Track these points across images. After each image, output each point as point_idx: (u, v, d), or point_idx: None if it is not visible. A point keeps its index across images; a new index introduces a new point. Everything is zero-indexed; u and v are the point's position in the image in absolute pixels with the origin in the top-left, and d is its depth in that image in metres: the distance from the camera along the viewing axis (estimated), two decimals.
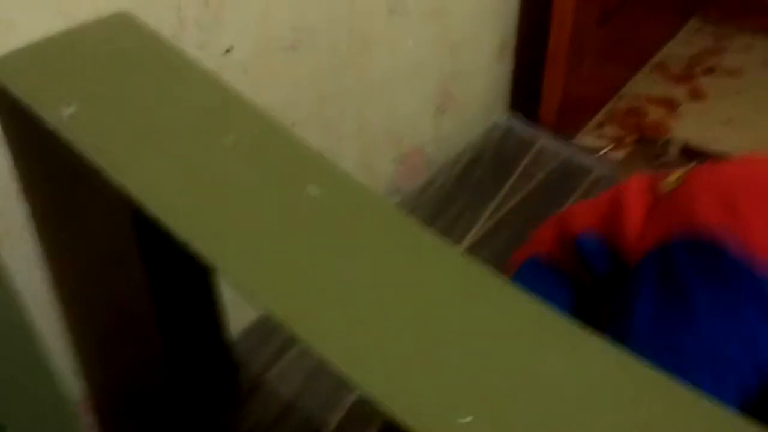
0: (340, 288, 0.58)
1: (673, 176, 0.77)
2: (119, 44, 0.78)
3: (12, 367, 0.81)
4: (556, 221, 0.91)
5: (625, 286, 0.72)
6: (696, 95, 1.90)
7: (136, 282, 0.90)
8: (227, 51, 0.96)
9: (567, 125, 1.67)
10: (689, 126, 1.78)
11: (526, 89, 1.65)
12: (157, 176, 0.64)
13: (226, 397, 1.08)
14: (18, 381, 0.83)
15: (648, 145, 1.71)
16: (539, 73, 1.59)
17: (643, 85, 1.94)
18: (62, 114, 0.66)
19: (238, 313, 1.07)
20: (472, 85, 1.54)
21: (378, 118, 1.32)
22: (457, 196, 1.44)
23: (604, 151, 1.70)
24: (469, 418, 0.49)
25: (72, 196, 0.81)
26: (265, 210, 0.64)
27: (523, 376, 0.51)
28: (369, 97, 1.27)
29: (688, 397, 0.49)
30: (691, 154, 1.67)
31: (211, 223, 0.62)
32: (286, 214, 0.64)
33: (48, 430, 0.85)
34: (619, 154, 1.71)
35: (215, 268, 0.59)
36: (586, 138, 1.75)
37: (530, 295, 0.57)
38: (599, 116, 1.83)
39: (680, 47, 2.09)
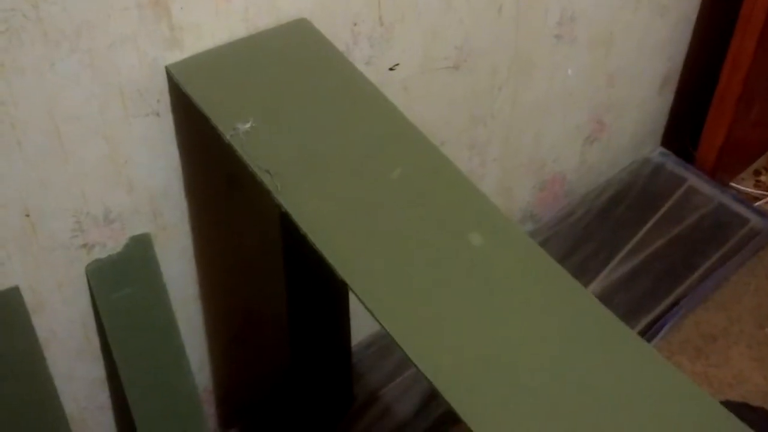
0: (475, 334, 0.57)
1: None
2: (296, 54, 0.79)
3: (152, 357, 0.84)
4: None
5: None
6: None
7: (275, 288, 0.91)
8: (392, 68, 0.95)
9: (724, 169, 1.56)
10: None
11: (683, 127, 1.55)
12: (318, 202, 0.64)
13: (343, 406, 1.08)
14: (154, 367, 0.86)
15: None
16: (701, 112, 1.49)
17: None
18: (238, 128, 0.67)
19: (359, 324, 1.07)
20: (626, 117, 1.46)
21: (524, 143, 1.28)
22: (595, 231, 1.38)
23: (761, 201, 1.57)
24: None
25: (230, 203, 0.83)
26: (421, 253, 0.62)
27: None
28: (519, 122, 1.23)
29: None
30: None
31: (359, 251, 0.61)
32: (443, 259, 0.62)
33: (175, 414, 0.88)
34: None
35: (356, 294, 0.58)
36: (743, 185, 1.63)
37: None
38: (758, 163, 1.70)
39: None
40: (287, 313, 0.91)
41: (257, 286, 0.97)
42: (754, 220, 1.42)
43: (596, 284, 1.28)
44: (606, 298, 1.26)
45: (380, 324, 0.56)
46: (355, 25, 0.87)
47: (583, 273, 1.30)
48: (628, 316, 1.22)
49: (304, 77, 0.76)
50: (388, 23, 0.90)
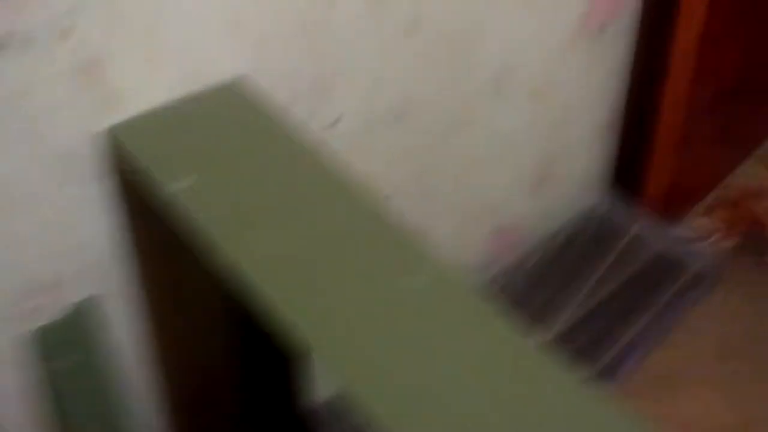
0: (419, 379, 0.56)
1: None
2: (235, 113, 0.80)
3: (98, 424, 0.82)
4: None
5: None
6: None
7: (222, 352, 0.90)
8: (334, 122, 0.97)
9: (671, 211, 1.60)
10: None
11: (628, 171, 1.60)
12: (258, 258, 0.64)
13: None
14: None
15: (754, 240, 1.61)
16: (643, 156, 1.54)
17: (753, 173, 1.85)
18: (178, 188, 0.67)
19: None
20: (572, 164, 1.50)
21: (473, 192, 1.30)
22: (549, 277, 1.40)
23: (708, 241, 1.61)
24: None
25: (175, 263, 0.83)
26: (364, 299, 0.63)
27: None
28: (466, 172, 1.26)
29: None
30: None
31: (305, 309, 0.61)
32: (384, 304, 0.63)
33: None
34: (723, 246, 1.62)
35: (305, 351, 0.58)
36: (690, 226, 1.67)
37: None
38: (704, 204, 1.75)
39: None
40: (237, 376, 0.90)
41: (211, 348, 0.96)
42: (698, 262, 1.45)
43: (551, 331, 1.29)
44: (561, 343, 1.26)
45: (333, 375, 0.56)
46: (293, 80, 0.89)
47: (540, 318, 1.31)
48: (583, 360, 1.23)
49: (243, 136, 0.77)
50: (327, 79, 0.92)
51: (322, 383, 1.07)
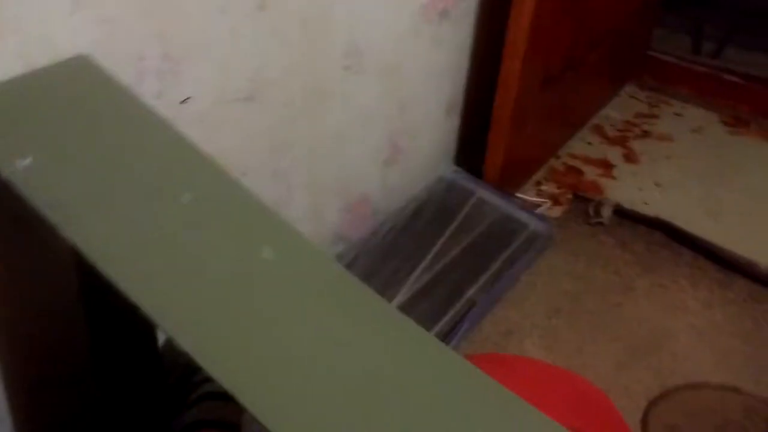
0: (276, 349, 0.60)
1: None
2: (78, 90, 0.79)
3: None
4: None
5: None
6: (630, 158, 2.01)
7: (77, 330, 0.89)
8: (184, 101, 0.98)
9: (508, 182, 1.74)
10: (622, 187, 1.88)
11: (471, 146, 1.71)
12: (109, 232, 0.65)
13: None
14: None
15: (584, 204, 1.79)
16: (484, 132, 1.65)
17: (581, 146, 2.04)
18: (17, 165, 0.66)
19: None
20: (419, 140, 1.59)
21: (327, 168, 1.35)
22: (398, 247, 1.48)
23: (541, 207, 1.77)
24: None
25: (18, 246, 0.81)
26: (216, 271, 0.65)
27: None
28: (320, 149, 1.30)
29: None
30: (622, 214, 1.75)
31: (159, 282, 0.63)
32: (237, 275, 0.65)
33: None
34: (556, 211, 1.78)
35: (158, 326, 0.60)
36: (526, 195, 1.82)
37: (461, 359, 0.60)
38: (539, 174, 1.91)
39: (616, 111, 2.20)
40: (91, 354, 0.89)
41: (58, 326, 0.94)
42: (536, 225, 1.60)
43: (402, 295, 1.37)
44: (411, 306, 1.35)
45: (182, 348, 0.58)
46: (140, 60, 0.88)
47: (390, 285, 1.38)
48: (431, 319, 1.32)
49: (86, 113, 0.77)
50: (175, 57, 0.93)
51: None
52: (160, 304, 0.61)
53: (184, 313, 0.61)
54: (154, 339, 0.91)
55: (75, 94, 0.79)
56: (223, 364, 0.58)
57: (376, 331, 0.64)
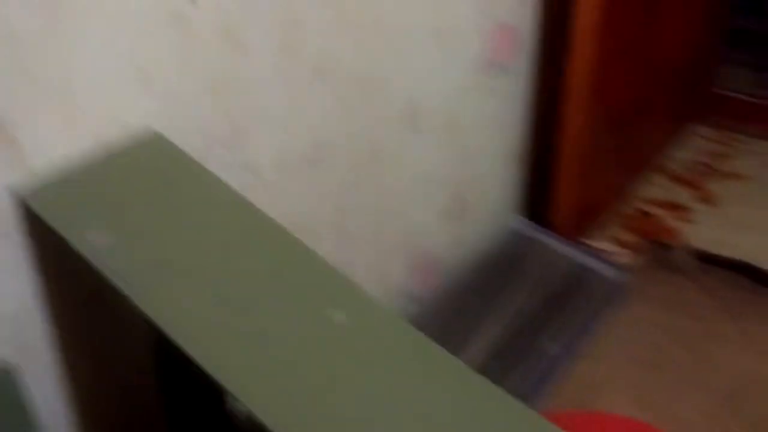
0: (350, 413, 0.58)
1: None
2: (151, 165, 0.81)
3: None
4: None
5: None
6: (705, 199, 1.93)
7: (152, 402, 0.89)
8: (251, 167, 0.99)
9: (577, 230, 1.69)
10: (700, 230, 1.80)
11: (537, 196, 1.68)
12: (182, 306, 0.65)
13: None
14: None
15: (660, 250, 1.72)
16: (550, 178, 1.62)
17: (652, 189, 1.97)
18: (95, 242, 0.67)
19: None
20: (483, 192, 1.57)
21: (392, 226, 1.34)
22: (470, 302, 1.44)
23: (614, 255, 1.70)
24: None
25: (94, 320, 0.82)
26: (286, 335, 0.64)
27: None
28: (384, 208, 1.29)
29: None
30: (704, 259, 1.67)
31: (229, 348, 0.62)
32: (308, 340, 0.64)
33: None
34: (630, 257, 1.71)
35: (232, 394, 0.59)
36: (596, 243, 1.76)
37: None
38: (609, 222, 1.85)
39: (685, 152, 2.14)
40: (166, 425, 0.89)
41: (135, 403, 0.94)
42: (610, 273, 1.54)
43: (475, 353, 1.33)
44: (485, 364, 1.30)
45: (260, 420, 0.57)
46: (206, 133, 0.90)
47: (462, 344, 1.34)
48: (507, 377, 1.27)
49: (160, 188, 0.78)
50: (240, 127, 0.95)
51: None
52: (232, 371, 0.60)
53: (256, 380, 0.60)
54: (224, 405, 0.90)
55: (147, 169, 0.80)
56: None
57: (455, 393, 0.61)
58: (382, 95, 1.18)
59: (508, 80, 1.47)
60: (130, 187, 0.78)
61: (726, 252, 1.69)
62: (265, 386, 0.60)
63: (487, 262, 1.54)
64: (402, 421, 0.58)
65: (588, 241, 1.76)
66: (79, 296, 0.83)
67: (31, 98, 0.73)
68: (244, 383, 0.59)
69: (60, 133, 0.77)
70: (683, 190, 1.97)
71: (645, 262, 1.70)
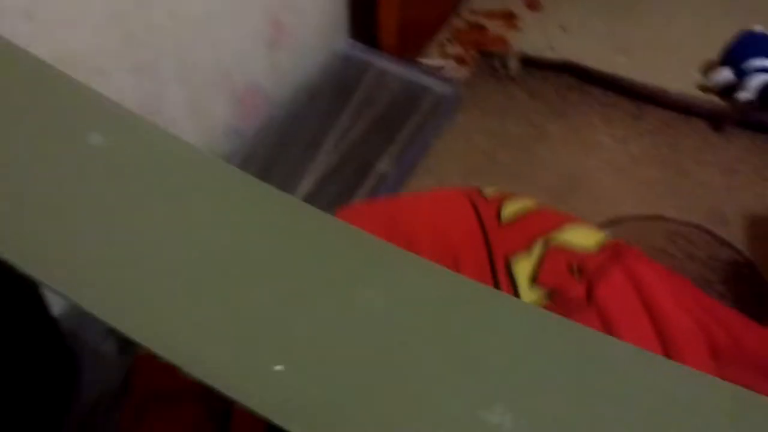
0: (126, 244, 0.52)
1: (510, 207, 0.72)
2: None
3: None
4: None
5: None
6: (532, 5, 1.92)
7: None
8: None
9: (408, 48, 1.64)
10: (527, 36, 1.80)
11: (363, 15, 1.59)
12: None
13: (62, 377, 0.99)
14: None
15: (491, 60, 1.71)
16: None
17: (480, 0, 1.94)
18: None
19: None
20: (304, 16, 1.46)
21: (202, 57, 1.23)
22: (299, 131, 1.39)
23: (444, 68, 1.68)
24: (280, 367, 0.45)
25: None
26: (40, 165, 0.56)
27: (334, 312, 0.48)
28: (186, 35, 1.17)
29: None
30: (530, 63, 1.69)
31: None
32: (62, 165, 0.56)
33: None
34: (463, 71, 1.70)
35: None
36: (429, 59, 1.73)
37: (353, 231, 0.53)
38: (440, 36, 1.81)
39: None
40: None
41: None
42: (441, 88, 1.52)
43: (307, 182, 1.29)
44: (319, 191, 1.27)
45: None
46: None
47: (294, 174, 1.30)
48: (342, 201, 1.26)
49: None
50: None
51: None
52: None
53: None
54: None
55: None
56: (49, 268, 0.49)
57: (233, 206, 0.56)
58: None
59: None
60: None
61: (551, 55, 1.71)
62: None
63: (316, 89, 1.47)
64: (172, 245, 0.52)
65: (421, 59, 1.72)
66: None
67: None
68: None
69: None
70: None
71: (476, 73, 1.69)
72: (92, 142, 0.58)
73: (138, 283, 0.50)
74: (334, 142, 1.37)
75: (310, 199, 1.28)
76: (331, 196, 1.28)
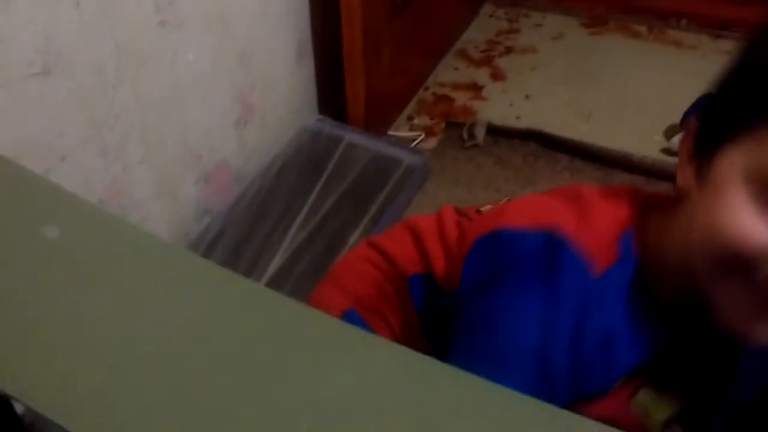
0: (78, 337, 0.51)
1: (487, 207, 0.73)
2: None
3: None
4: (364, 259, 0.80)
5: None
6: (496, 76, 1.97)
7: None
8: None
9: (376, 121, 1.67)
10: (493, 106, 1.84)
11: (332, 90, 1.63)
12: None
13: None
14: None
15: (458, 130, 1.74)
16: (338, 73, 1.57)
17: (448, 73, 1.98)
18: None
19: None
20: (273, 93, 1.49)
21: (170, 137, 1.23)
22: (269, 209, 1.39)
23: (414, 142, 1.71)
24: None
25: None
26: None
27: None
28: (153, 117, 1.18)
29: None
30: (495, 131, 1.72)
31: None
32: (19, 258, 0.55)
33: None
34: (431, 142, 1.73)
35: None
36: (399, 132, 1.75)
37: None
38: (409, 109, 1.85)
39: (477, 33, 2.16)
40: None
41: None
42: (409, 159, 1.54)
43: (279, 257, 1.29)
44: (291, 266, 1.27)
45: None
46: None
47: (265, 250, 1.29)
48: (316, 272, 1.25)
49: None
50: None
51: None
52: None
53: None
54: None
55: None
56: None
57: (191, 294, 0.55)
58: None
59: None
60: None
61: (516, 123, 1.75)
62: None
63: (286, 165, 1.48)
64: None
65: (390, 131, 1.74)
66: None
67: None
68: None
69: None
70: (478, 70, 1.99)
71: (444, 143, 1.72)
72: (48, 234, 0.57)
73: (89, 379, 0.48)
74: (305, 217, 1.37)
75: (283, 274, 1.27)
76: (304, 270, 1.27)
